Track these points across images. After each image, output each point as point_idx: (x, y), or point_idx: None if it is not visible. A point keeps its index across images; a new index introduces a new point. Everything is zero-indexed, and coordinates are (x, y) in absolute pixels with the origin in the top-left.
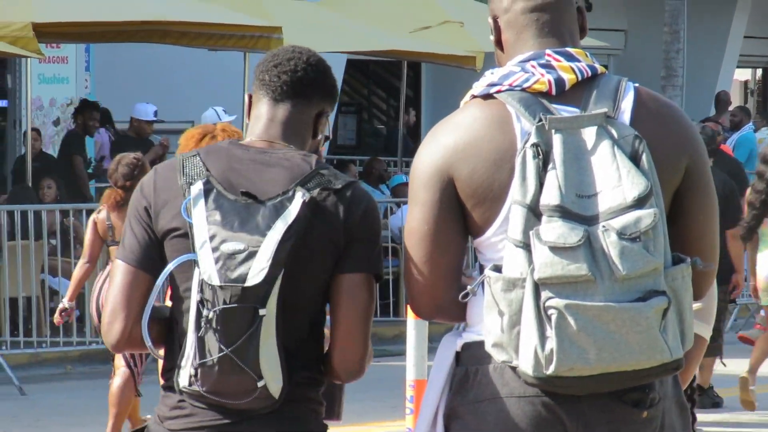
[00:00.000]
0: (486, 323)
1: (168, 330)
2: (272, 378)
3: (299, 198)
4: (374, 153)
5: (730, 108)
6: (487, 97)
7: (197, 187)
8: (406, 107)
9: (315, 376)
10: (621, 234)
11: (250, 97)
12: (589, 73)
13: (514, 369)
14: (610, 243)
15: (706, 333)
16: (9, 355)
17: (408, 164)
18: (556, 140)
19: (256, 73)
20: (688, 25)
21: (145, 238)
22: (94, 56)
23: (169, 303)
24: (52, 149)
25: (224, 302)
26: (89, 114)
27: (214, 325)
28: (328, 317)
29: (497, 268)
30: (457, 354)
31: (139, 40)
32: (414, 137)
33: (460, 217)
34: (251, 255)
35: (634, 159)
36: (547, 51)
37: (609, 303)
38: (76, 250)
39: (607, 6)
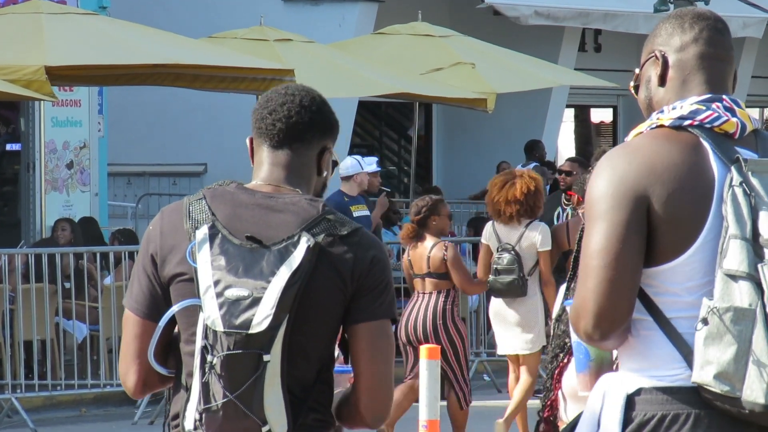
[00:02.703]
0: (708, 354)
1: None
2: (277, 423)
3: (304, 243)
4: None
5: None
6: (676, 129)
7: (202, 231)
8: (417, 148)
9: (324, 418)
10: None
11: (251, 140)
12: (757, 125)
13: (710, 417)
14: None
15: None
16: (23, 398)
17: None
18: (755, 181)
19: (253, 120)
20: None
21: (150, 287)
22: (108, 99)
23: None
24: (66, 192)
25: (228, 348)
26: None
27: (218, 370)
28: (349, 366)
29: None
30: (628, 396)
31: (152, 83)
32: (426, 179)
33: (645, 239)
34: (255, 301)
35: None
36: (724, 96)
37: None
38: (89, 293)
39: (617, 47)
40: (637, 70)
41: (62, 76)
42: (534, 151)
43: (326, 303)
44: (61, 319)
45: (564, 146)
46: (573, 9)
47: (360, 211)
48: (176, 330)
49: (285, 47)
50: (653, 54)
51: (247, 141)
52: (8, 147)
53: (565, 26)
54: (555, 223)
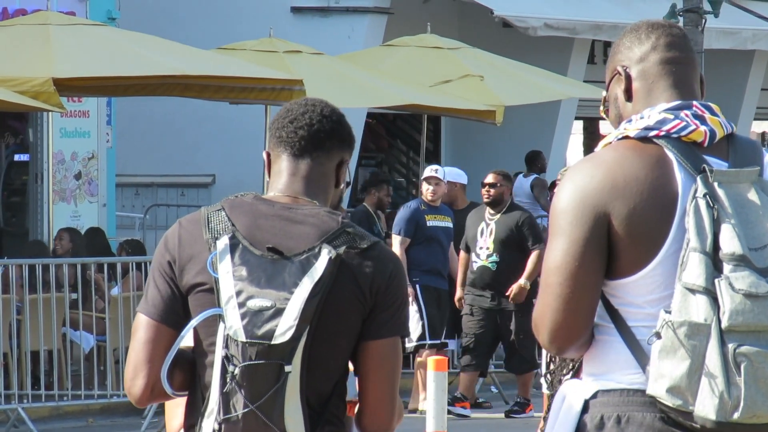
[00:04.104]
0: (662, 367)
1: (191, 379)
2: None
3: (325, 255)
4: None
5: None
6: (642, 140)
7: (223, 241)
8: (426, 160)
9: (338, 430)
10: None
11: (269, 155)
12: (730, 130)
13: (665, 420)
14: None
15: None
16: (30, 408)
17: None
18: (721, 193)
19: (272, 131)
20: (705, 78)
21: (168, 292)
22: (116, 110)
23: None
24: (74, 203)
25: (250, 358)
26: (386, 189)
27: (239, 380)
28: (356, 378)
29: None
30: (585, 401)
31: (160, 93)
32: None
33: (606, 255)
34: (278, 312)
35: None
36: (694, 102)
37: None
38: (96, 303)
39: None
40: (604, 93)
41: (71, 87)
42: (536, 162)
43: (346, 315)
44: (68, 329)
45: (573, 158)
46: (583, 21)
47: (436, 221)
48: (183, 344)
49: (294, 59)
50: (616, 71)
51: (264, 155)
52: (16, 157)
53: (575, 38)
54: (479, 239)
